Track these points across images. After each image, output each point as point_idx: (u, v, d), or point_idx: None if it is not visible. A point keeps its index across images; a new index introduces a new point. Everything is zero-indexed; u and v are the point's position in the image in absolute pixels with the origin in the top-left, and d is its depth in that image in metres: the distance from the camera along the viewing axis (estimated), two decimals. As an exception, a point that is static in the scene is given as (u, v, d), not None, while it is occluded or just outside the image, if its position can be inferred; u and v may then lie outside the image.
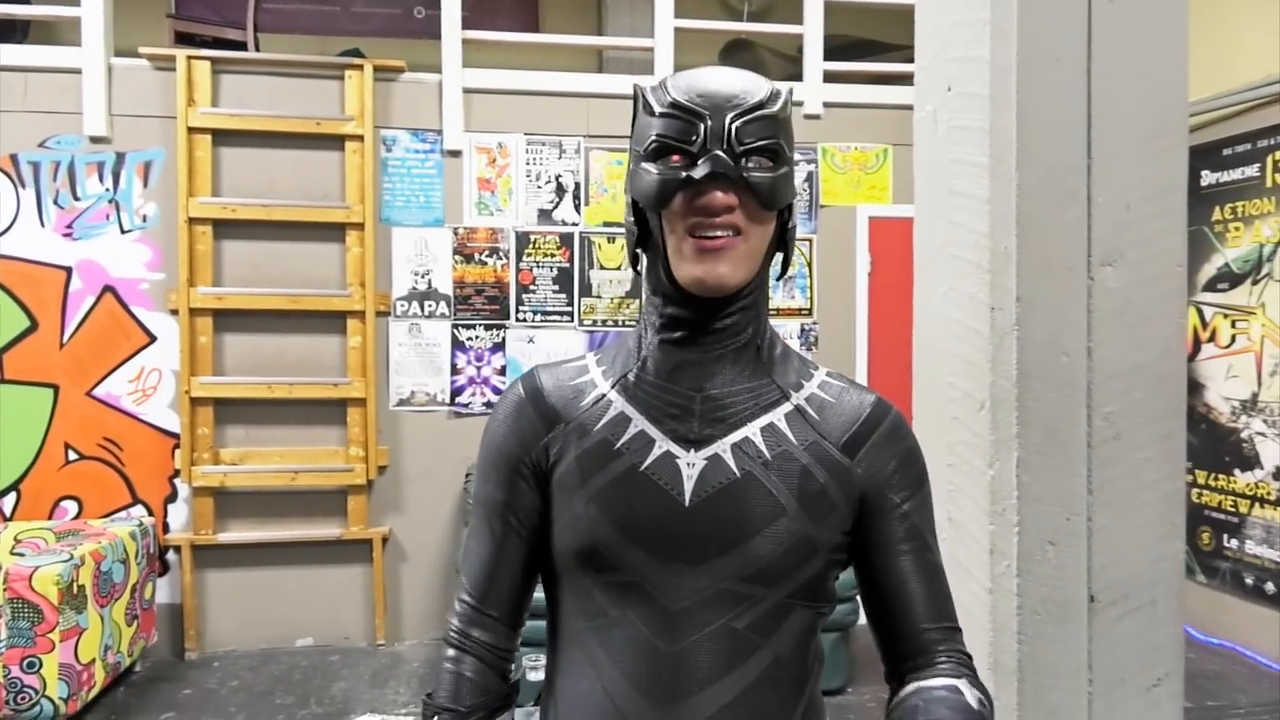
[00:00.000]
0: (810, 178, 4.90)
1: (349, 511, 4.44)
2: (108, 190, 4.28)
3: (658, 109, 0.96)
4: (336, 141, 4.43)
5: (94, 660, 3.53)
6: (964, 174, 1.59)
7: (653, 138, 0.95)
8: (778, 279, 1.05)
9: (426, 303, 4.53)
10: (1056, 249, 1.52)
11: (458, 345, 4.56)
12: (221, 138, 4.34)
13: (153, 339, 4.31)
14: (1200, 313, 4.60)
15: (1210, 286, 4.55)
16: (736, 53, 5.85)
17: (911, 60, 5.17)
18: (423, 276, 4.53)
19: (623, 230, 4.72)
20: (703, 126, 0.93)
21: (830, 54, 4.92)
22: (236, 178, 4.37)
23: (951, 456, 1.62)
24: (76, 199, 4.26)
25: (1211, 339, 4.55)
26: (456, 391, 4.56)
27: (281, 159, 4.39)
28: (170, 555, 4.34)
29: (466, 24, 4.56)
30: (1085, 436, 1.53)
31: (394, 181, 4.52)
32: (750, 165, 0.93)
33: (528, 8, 6.17)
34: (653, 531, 0.95)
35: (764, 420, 0.98)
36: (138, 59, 4.32)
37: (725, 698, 0.93)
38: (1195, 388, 4.61)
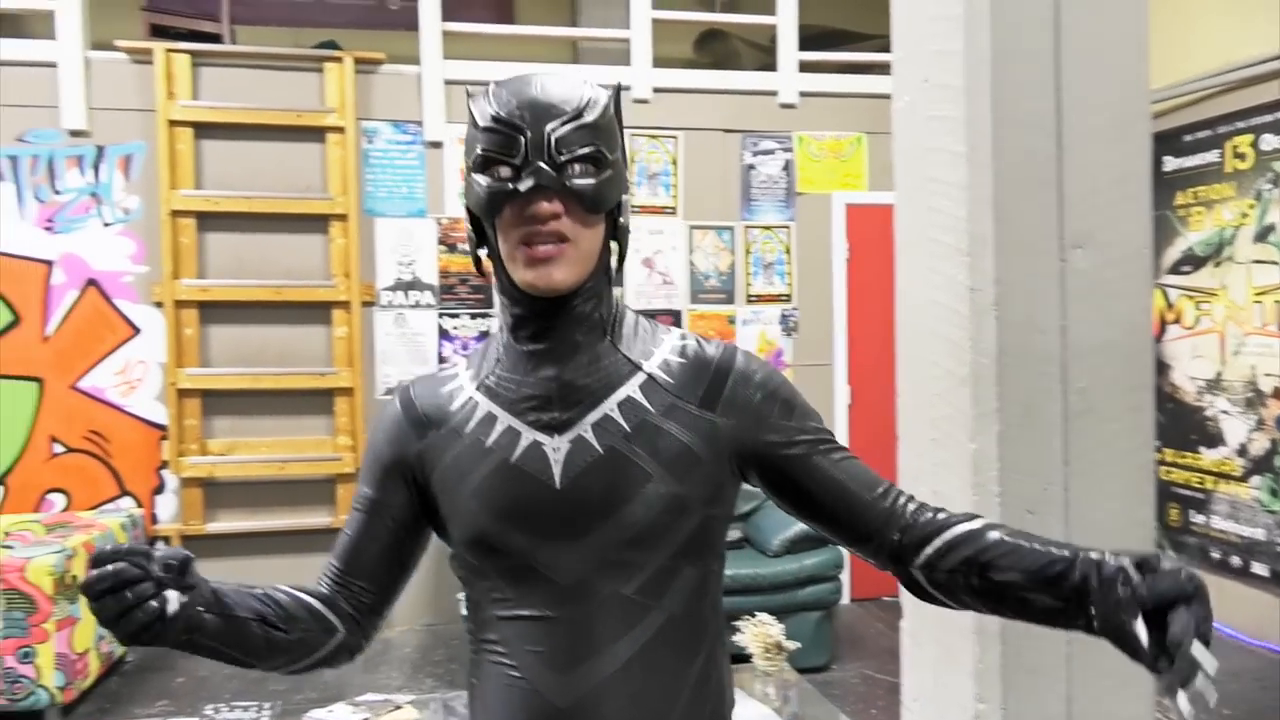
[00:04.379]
0: (787, 166, 4.97)
1: (337, 500, 4.48)
2: (89, 184, 4.28)
3: (481, 122, 0.99)
4: (317, 134, 4.45)
5: (88, 650, 3.57)
6: (942, 162, 1.67)
7: (478, 152, 0.99)
8: (615, 271, 1.08)
9: (411, 292, 4.57)
10: (1030, 232, 1.61)
11: (444, 334, 4.61)
12: (202, 130, 4.35)
13: (137, 331, 4.32)
14: (1165, 295, 4.74)
15: (1174, 269, 4.69)
16: (710, 43, 5.91)
17: (884, 50, 5.28)
18: (407, 267, 4.57)
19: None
20: (523, 140, 0.97)
21: (804, 43, 4.99)
22: (218, 170, 4.38)
23: (935, 431, 1.70)
24: (57, 193, 4.25)
25: (1177, 320, 4.69)
26: (441, 380, 4.60)
27: (263, 151, 4.41)
28: (159, 546, 4.36)
29: (443, 16, 4.59)
30: (1061, 410, 1.62)
31: (376, 173, 4.55)
32: (573, 172, 0.98)
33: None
34: (530, 516, 1.01)
35: (620, 395, 1.03)
36: (115, 52, 4.31)
37: (621, 659, 1.00)
38: (1162, 368, 4.75)
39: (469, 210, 1.05)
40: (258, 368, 4.40)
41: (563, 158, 0.97)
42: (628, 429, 1.02)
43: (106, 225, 4.31)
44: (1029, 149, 1.61)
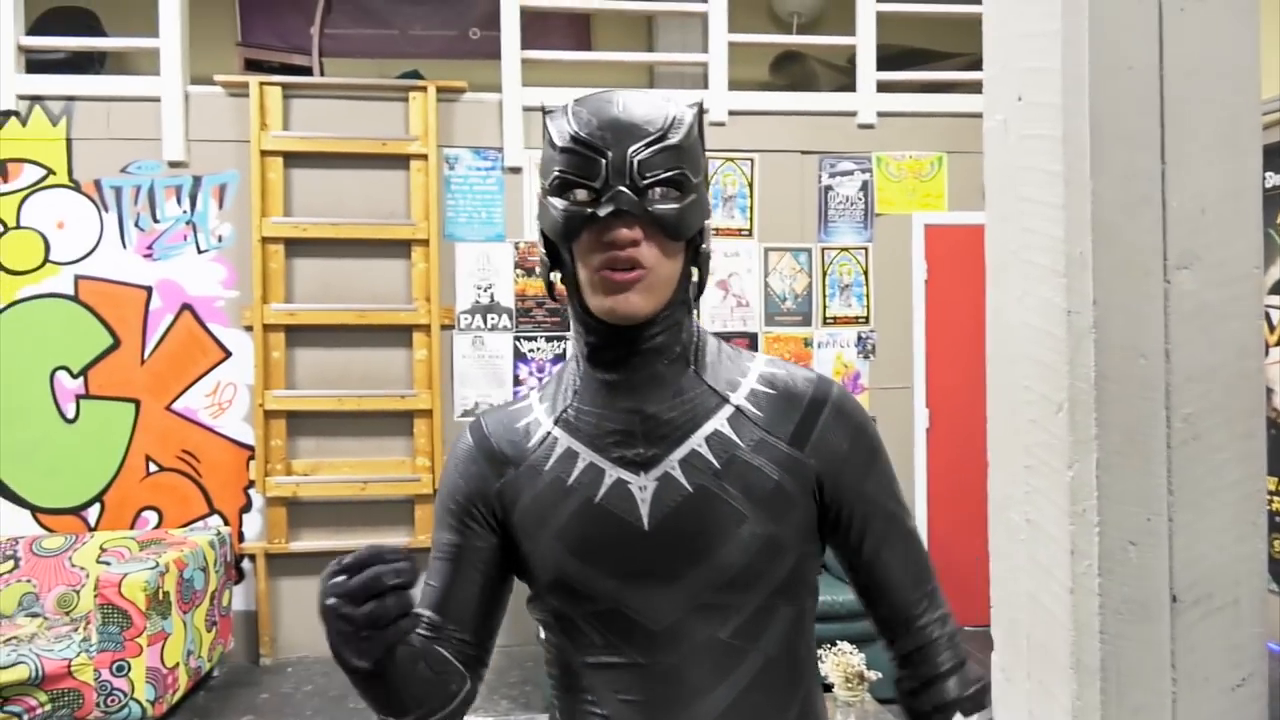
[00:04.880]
0: (865, 187, 4.92)
1: (415, 520, 4.55)
2: (185, 212, 4.46)
3: (559, 142, 0.94)
4: (401, 161, 4.57)
5: (178, 664, 3.67)
6: (1036, 181, 1.62)
7: (555, 173, 0.94)
8: (695, 298, 1.03)
9: (489, 316, 4.64)
10: (1132, 253, 1.54)
11: (520, 357, 4.66)
12: (292, 160, 4.50)
13: (228, 354, 4.47)
14: (1267, 316, 4.52)
15: (1277, 289, 4.48)
16: (787, 65, 5.90)
17: (964, 68, 5.19)
18: (485, 290, 4.64)
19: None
20: (604, 162, 0.91)
21: (882, 64, 4.94)
22: (307, 198, 4.52)
23: (1029, 459, 1.64)
24: (156, 221, 4.44)
25: (1279, 343, 4.47)
26: (518, 403, 4.65)
27: (349, 179, 4.54)
28: (245, 563, 4.49)
29: (522, 44, 4.67)
30: (1165, 437, 1.55)
31: (457, 198, 4.64)
32: (655, 197, 0.92)
33: (579, 26, 6.28)
34: (618, 560, 0.96)
35: (707, 429, 0.98)
36: (212, 86, 4.50)
37: (720, 706, 0.95)
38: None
39: (543, 233, 1.00)
40: (341, 389, 4.51)
41: (645, 181, 0.92)
42: (717, 466, 0.97)
43: (201, 252, 4.48)
44: (1131, 167, 1.55)
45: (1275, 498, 4.49)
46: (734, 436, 0.98)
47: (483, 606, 1.04)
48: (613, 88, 1.01)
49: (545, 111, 0.99)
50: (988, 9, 1.80)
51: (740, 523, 0.95)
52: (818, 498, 1.01)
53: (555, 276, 1.02)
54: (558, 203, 0.94)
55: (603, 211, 0.91)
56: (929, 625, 1.06)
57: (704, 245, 1.00)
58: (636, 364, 0.97)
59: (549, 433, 1.01)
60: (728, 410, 0.99)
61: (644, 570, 0.96)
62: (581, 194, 0.93)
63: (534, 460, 1.01)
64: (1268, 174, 4.50)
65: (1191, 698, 1.57)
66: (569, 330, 3.93)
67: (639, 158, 0.92)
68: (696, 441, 0.97)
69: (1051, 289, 1.58)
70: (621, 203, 0.91)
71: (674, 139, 0.94)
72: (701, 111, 1.00)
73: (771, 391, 1.01)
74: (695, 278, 1.02)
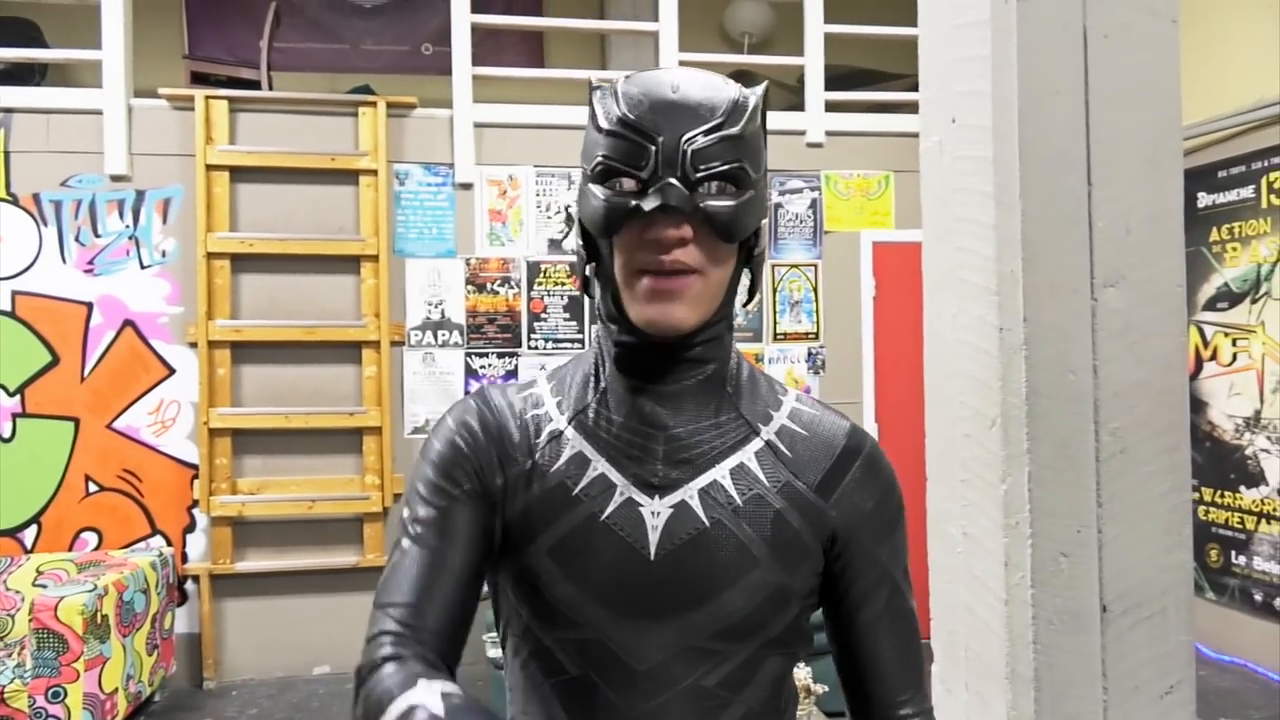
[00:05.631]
0: (814, 205, 4.98)
1: (365, 539, 4.49)
2: (128, 227, 4.38)
3: (604, 124, 0.85)
4: (351, 176, 4.53)
5: (116, 690, 3.57)
6: (970, 201, 1.66)
7: (598, 159, 0.85)
8: (744, 305, 0.95)
9: (440, 332, 4.61)
10: (1061, 272, 1.59)
11: (471, 373, 4.63)
12: (239, 174, 4.44)
13: (172, 371, 4.38)
14: (1201, 332, 4.66)
15: (1210, 306, 4.62)
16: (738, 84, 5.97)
17: (911, 89, 5.30)
18: (436, 306, 4.61)
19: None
20: (653, 150, 0.82)
21: (831, 84, 5.03)
22: (254, 213, 4.46)
23: (964, 472, 1.67)
24: (97, 236, 4.35)
25: (1213, 357, 4.61)
26: (470, 419, 4.62)
27: (297, 194, 4.49)
28: (189, 585, 4.39)
29: (475, 61, 4.68)
30: (1094, 451, 1.59)
31: (407, 214, 4.61)
32: (708, 191, 0.83)
33: (533, 43, 6.31)
34: (615, 588, 0.87)
35: (733, 461, 0.90)
36: (157, 99, 4.43)
37: None
38: (1198, 406, 4.67)
39: (580, 223, 0.90)
40: (288, 407, 4.44)
41: (698, 174, 0.82)
42: (739, 502, 0.89)
43: (144, 267, 4.39)
44: (1058, 188, 1.60)
45: (1213, 508, 4.62)
46: (760, 474, 0.90)
47: (458, 606, 0.88)
48: (669, 67, 0.96)
49: (592, 87, 0.90)
50: (923, 34, 1.85)
51: (751, 568, 0.87)
52: (828, 552, 0.94)
53: (590, 269, 0.93)
54: (599, 191, 0.85)
55: (648, 205, 0.82)
56: (912, 718, 0.97)
57: (758, 248, 0.92)
58: (668, 375, 0.89)
59: (560, 431, 0.92)
60: (757, 444, 0.92)
61: (640, 604, 0.87)
62: (627, 183, 0.84)
63: (541, 459, 0.91)
64: (1200, 194, 4.65)
65: (1122, 706, 1.61)
66: (520, 347, 3.89)
67: (693, 147, 0.82)
68: (720, 473, 0.89)
69: (984, 306, 1.62)
70: (670, 197, 0.82)
71: (734, 128, 0.84)
72: (767, 95, 0.90)
73: (804, 432, 0.94)
74: (747, 282, 0.93)
